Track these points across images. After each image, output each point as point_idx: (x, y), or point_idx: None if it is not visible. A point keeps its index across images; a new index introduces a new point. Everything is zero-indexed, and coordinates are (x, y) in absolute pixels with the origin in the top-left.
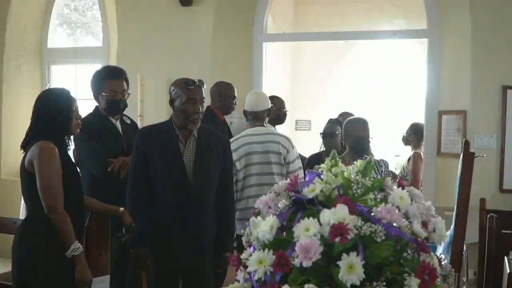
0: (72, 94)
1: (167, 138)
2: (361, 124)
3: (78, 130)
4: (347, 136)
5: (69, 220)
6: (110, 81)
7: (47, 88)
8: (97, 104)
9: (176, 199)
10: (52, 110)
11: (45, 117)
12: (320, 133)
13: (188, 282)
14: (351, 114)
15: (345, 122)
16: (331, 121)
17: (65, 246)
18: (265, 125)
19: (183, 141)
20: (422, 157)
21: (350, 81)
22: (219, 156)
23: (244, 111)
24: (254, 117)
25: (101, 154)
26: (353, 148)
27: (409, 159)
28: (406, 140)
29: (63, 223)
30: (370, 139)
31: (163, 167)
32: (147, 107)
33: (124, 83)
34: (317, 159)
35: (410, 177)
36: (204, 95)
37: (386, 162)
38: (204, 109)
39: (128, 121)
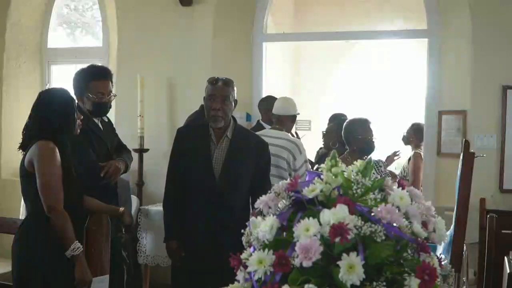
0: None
1: (200, 137)
2: (369, 125)
3: (78, 131)
4: (354, 138)
5: (69, 220)
6: (96, 82)
7: (46, 88)
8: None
9: (202, 199)
10: (58, 111)
11: (49, 118)
12: (322, 132)
13: (213, 282)
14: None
15: (349, 123)
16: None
17: (64, 246)
18: (283, 130)
19: (215, 141)
20: (422, 157)
21: (350, 81)
22: (253, 158)
23: (272, 114)
24: (277, 120)
25: (89, 158)
26: (362, 149)
27: (409, 159)
28: (407, 140)
29: (63, 223)
30: (375, 139)
31: (192, 166)
32: (147, 107)
33: (110, 83)
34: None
35: (410, 177)
36: (229, 94)
37: (384, 162)
38: (230, 108)
39: (106, 119)
